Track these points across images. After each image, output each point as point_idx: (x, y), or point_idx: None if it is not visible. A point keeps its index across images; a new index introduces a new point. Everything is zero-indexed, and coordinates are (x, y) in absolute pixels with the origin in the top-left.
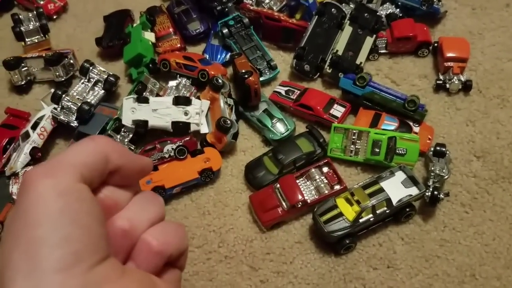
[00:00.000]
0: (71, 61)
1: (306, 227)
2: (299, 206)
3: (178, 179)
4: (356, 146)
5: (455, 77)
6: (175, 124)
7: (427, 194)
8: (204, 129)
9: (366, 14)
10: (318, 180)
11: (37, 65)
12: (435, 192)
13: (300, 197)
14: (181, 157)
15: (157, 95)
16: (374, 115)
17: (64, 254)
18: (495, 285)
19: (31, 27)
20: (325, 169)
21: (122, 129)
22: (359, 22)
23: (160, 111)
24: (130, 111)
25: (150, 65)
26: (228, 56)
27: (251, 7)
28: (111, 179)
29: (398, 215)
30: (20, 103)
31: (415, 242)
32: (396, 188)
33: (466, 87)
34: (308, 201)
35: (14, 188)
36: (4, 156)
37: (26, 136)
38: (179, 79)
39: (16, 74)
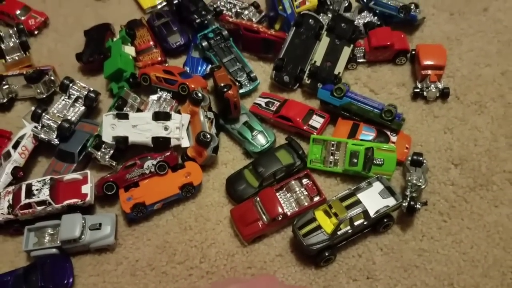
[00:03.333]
0: (52, 78)
1: (287, 240)
2: (280, 219)
3: (159, 195)
4: (335, 157)
5: (432, 85)
6: (155, 139)
7: (404, 204)
8: (185, 143)
9: (343, 24)
10: (298, 192)
11: (18, 82)
12: (412, 202)
13: (280, 210)
14: (162, 173)
15: (138, 109)
16: (352, 125)
17: None
18: None
19: (11, 45)
20: (304, 181)
21: (103, 146)
22: (336, 32)
23: (140, 127)
24: (110, 128)
25: (131, 80)
26: (208, 68)
27: (230, 19)
28: None
29: (377, 226)
30: (3, 121)
31: (394, 252)
32: (373, 199)
33: (444, 94)
34: (288, 213)
35: None
36: None
37: (8, 155)
38: (160, 93)
39: None
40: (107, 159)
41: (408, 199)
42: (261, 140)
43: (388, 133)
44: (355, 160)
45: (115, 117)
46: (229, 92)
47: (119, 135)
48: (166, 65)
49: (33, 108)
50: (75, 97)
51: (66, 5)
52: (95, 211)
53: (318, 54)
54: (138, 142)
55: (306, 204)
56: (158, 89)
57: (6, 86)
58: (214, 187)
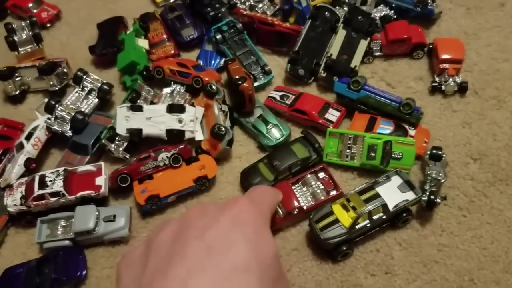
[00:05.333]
0: (65, 70)
1: (303, 234)
2: (295, 213)
3: (173, 187)
4: (352, 151)
5: (450, 79)
6: (169, 132)
7: (423, 198)
8: (199, 136)
9: (360, 17)
10: (314, 186)
11: (31, 74)
12: (432, 197)
13: (296, 204)
14: (176, 165)
15: (152, 102)
16: (370, 119)
17: None
18: None
19: (24, 37)
20: (321, 175)
21: (117, 138)
22: (353, 25)
23: (154, 119)
24: (124, 120)
25: (144, 73)
26: (222, 61)
27: (245, 12)
28: None
29: (395, 220)
30: (15, 113)
31: (413, 247)
32: (392, 193)
33: (462, 88)
34: (304, 207)
35: (8, 200)
36: None
37: (21, 146)
38: (173, 86)
39: (10, 84)
40: (121, 152)
41: (427, 193)
42: (275, 134)
43: (406, 127)
44: (373, 154)
45: (129, 109)
46: (244, 84)
47: (133, 127)
48: (180, 58)
49: (46, 100)
50: (88, 89)
51: None
52: (109, 204)
53: (334, 47)
54: (152, 135)
55: (322, 198)
56: (172, 82)
57: (19, 78)
58: (228, 180)
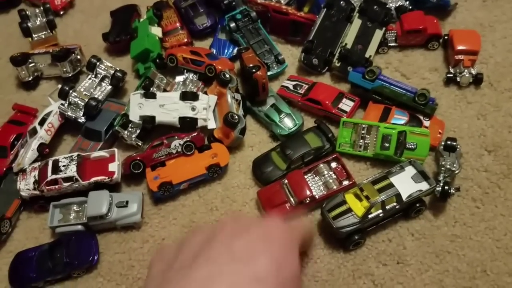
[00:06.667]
0: (78, 57)
1: (314, 223)
2: (307, 202)
3: (186, 175)
4: (365, 141)
5: (465, 70)
6: (182, 119)
7: (437, 189)
8: (211, 124)
9: (375, 7)
10: (326, 175)
11: (44, 61)
12: (446, 187)
13: (308, 192)
14: (189, 153)
15: (165, 90)
16: (384, 109)
17: None
18: (507, 280)
19: (38, 23)
20: (333, 164)
21: (130, 125)
22: (368, 14)
23: (167, 107)
24: (138, 107)
25: (157, 60)
26: (235, 50)
27: (259, 1)
28: None
29: (408, 211)
30: (28, 99)
31: (426, 238)
32: (406, 183)
33: (477, 80)
34: (317, 196)
35: (21, 184)
36: (12, 152)
37: (34, 132)
38: (186, 74)
39: (23, 70)
40: (134, 139)
41: (441, 184)
42: (288, 123)
43: (421, 117)
44: (387, 144)
45: (142, 96)
46: (258, 73)
47: (146, 114)
48: (193, 46)
49: (59, 86)
50: (101, 76)
51: None
52: (122, 190)
53: (349, 36)
54: (165, 122)
55: (334, 187)
56: (185, 71)
57: (32, 64)
58: (240, 169)
